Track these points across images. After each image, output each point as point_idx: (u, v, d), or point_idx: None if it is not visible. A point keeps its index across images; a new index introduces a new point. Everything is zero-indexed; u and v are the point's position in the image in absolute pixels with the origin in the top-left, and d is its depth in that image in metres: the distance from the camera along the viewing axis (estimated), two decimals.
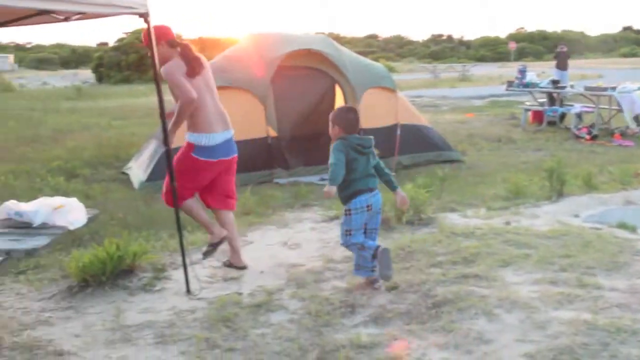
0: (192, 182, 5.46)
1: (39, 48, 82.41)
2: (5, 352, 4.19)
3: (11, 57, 58.31)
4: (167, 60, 5.34)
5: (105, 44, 58.80)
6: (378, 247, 4.93)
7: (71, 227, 3.51)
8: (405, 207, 5.53)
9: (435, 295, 4.77)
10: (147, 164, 9.58)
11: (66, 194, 8.11)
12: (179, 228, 5.28)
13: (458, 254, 5.69)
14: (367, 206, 4.94)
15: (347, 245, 5.05)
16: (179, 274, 5.42)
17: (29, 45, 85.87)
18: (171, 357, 4.06)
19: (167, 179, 5.41)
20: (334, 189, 4.82)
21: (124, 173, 10.11)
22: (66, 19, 4.48)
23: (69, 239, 6.10)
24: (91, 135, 14.63)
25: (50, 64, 64.92)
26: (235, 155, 5.70)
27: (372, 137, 5.09)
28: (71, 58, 68.81)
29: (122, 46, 42.75)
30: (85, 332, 4.48)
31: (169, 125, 5.26)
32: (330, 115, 5.13)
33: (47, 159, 11.38)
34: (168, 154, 5.18)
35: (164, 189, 5.51)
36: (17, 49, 78.67)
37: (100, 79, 43.20)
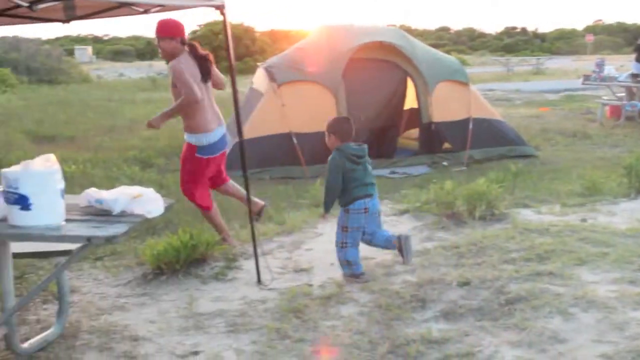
0: (202, 176, 5.90)
1: (115, 40, 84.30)
2: (84, 335, 4.32)
3: (89, 49, 59.75)
4: (176, 56, 5.58)
5: None
6: (399, 236, 5.18)
7: (149, 216, 3.57)
8: None
9: (508, 292, 4.68)
10: None
11: (141, 183, 8.28)
12: (251, 219, 5.35)
13: (532, 251, 5.57)
14: (365, 209, 5.14)
15: (339, 244, 5.18)
16: (250, 264, 5.49)
17: (106, 38, 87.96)
18: (242, 346, 4.11)
19: (181, 172, 5.97)
20: (327, 215, 5.37)
21: None
22: (145, 12, 4.58)
23: (143, 226, 6.24)
24: (165, 126, 14.85)
25: (127, 55, 66.32)
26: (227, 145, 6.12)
27: (366, 145, 5.25)
28: (146, 50, 70.07)
29: (196, 38, 43.29)
30: (160, 319, 4.57)
31: (163, 112, 5.75)
32: (326, 126, 5.27)
33: (123, 149, 11.66)
34: (241, 145, 5.25)
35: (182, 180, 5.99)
36: (95, 40, 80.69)
37: None
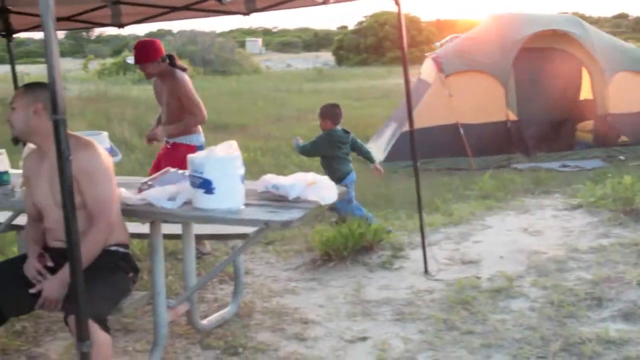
0: None
1: (283, 32, 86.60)
2: (257, 315, 4.50)
3: (259, 41, 61.67)
4: (162, 72, 5.57)
5: (345, 27, 60.43)
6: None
7: (323, 203, 3.66)
8: (379, 174, 6.48)
9: None
10: (386, 144, 9.81)
11: (308, 171, 8.49)
12: (420, 209, 5.33)
13: None
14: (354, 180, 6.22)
15: (350, 211, 6.06)
16: (416, 254, 5.48)
17: (275, 30, 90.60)
18: (410, 335, 4.12)
19: None
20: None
21: None
22: (324, 2, 4.64)
23: (312, 213, 6.39)
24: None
25: (294, 47, 67.92)
26: None
27: (350, 134, 6.31)
28: (313, 41, 71.56)
29: (362, 29, 43.64)
30: (328, 304, 4.68)
31: (167, 126, 5.59)
32: (320, 111, 6.30)
33: (291, 137, 11.97)
34: (412, 135, 5.25)
35: None
36: (265, 33, 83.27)
37: (339, 61, 44.44)
